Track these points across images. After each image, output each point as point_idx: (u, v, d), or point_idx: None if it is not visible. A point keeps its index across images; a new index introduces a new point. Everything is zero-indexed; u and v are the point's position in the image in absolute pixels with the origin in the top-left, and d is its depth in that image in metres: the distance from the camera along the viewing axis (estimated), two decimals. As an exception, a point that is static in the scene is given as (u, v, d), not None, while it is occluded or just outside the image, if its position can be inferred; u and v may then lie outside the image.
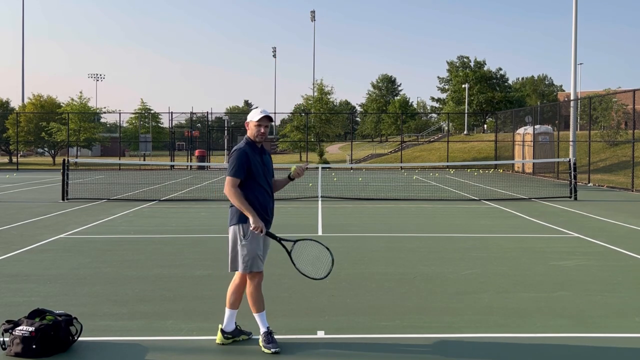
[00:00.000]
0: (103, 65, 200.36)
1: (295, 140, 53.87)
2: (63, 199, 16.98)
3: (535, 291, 6.86)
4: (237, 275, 5.08)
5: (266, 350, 4.86)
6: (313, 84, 55.02)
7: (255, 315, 5.03)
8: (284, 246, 5.05)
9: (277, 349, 4.85)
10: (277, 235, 4.98)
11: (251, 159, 4.95)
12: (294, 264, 5.04)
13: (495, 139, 41.45)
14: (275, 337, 5.02)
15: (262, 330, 4.98)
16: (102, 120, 57.54)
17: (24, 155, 63.15)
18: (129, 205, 16.03)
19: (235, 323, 5.15)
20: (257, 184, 4.99)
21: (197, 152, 44.62)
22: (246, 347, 5.00)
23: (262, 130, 5.02)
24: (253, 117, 5.03)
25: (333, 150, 70.72)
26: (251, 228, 4.85)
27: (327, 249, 4.98)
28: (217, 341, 5.08)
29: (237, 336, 5.13)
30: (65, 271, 7.87)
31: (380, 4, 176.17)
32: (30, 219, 13.09)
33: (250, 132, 5.06)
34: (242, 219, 4.92)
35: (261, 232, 4.85)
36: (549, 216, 13.78)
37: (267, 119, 5.04)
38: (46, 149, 51.71)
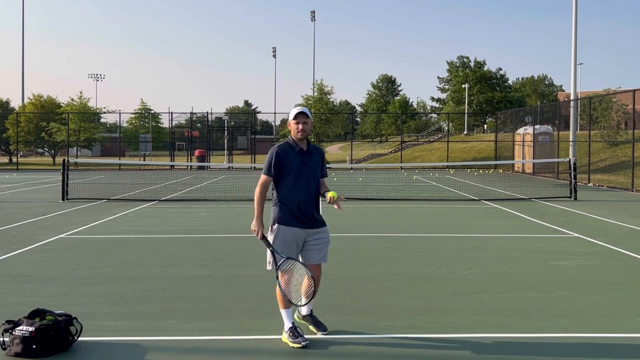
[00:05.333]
0: (103, 65, 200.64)
1: (295, 141, 53.73)
2: (63, 199, 16.98)
3: (535, 291, 6.85)
4: None
5: (295, 345, 4.93)
6: (313, 84, 55.03)
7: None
8: (274, 257, 4.97)
9: (305, 342, 4.93)
10: (272, 244, 5.00)
11: (283, 158, 5.04)
12: (277, 280, 4.95)
13: (495, 139, 41.44)
14: (276, 337, 5.05)
15: (288, 325, 5.08)
16: (102, 120, 57.57)
17: (24, 155, 63.20)
18: (129, 205, 16.03)
19: (311, 311, 5.33)
20: (287, 183, 5.05)
21: (197, 152, 44.63)
22: (246, 347, 5.00)
23: (300, 127, 5.07)
24: (291, 116, 5.13)
25: (333, 150, 70.75)
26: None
27: (313, 278, 4.82)
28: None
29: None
30: (65, 271, 7.87)
31: (380, 4, 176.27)
32: (30, 219, 13.09)
33: (291, 131, 5.15)
34: (273, 221, 5.10)
35: (257, 235, 4.98)
36: (549, 216, 13.78)
37: (302, 115, 5.10)
38: (46, 149, 51.70)
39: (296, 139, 5.11)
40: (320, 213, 5.24)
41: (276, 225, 5.06)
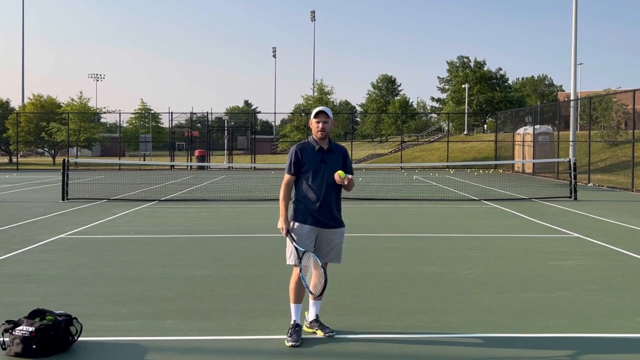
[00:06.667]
0: (103, 65, 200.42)
1: (295, 141, 53.83)
2: (63, 199, 16.98)
3: (535, 291, 6.86)
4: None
5: (285, 342, 4.99)
6: (313, 84, 55.11)
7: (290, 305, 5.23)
8: (297, 251, 5.04)
9: (294, 343, 4.96)
10: (295, 241, 5.07)
11: (302, 157, 5.13)
12: (301, 272, 5.03)
13: (495, 139, 41.44)
14: (276, 337, 5.06)
15: (291, 321, 5.14)
16: (102, 120, 57.52)
17: (24, 156, 63.13)
18: (129, 205, 16.03)
19: (317, 316, 5.31)
20: (305, 181, 5.13)
21: (197, 152, 44.60)
22: (246, 347, 5.00)
23: (321, 125, 5.13)
24: (312, 115, 5.18)
25: (333, 150, 70.42)
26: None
27: (324, 270, 4.90)
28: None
29: (314, 328, 5.30)
30: (65, 271, 7.87)
31: (380, 4, 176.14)
32: (30, 219, 13.09)
33: (312, 130, 5.21)
34: (290, 217, 5.19)
35: (287, 233, 5.10)
36: (549, 216, 13.78)
37: (322, 114, 5.15)
38: (46, 149, 51.67)
39: (317, 138, 5.19)
40: (340, 213, 5.26)
41: (292, 222, 5.15)
